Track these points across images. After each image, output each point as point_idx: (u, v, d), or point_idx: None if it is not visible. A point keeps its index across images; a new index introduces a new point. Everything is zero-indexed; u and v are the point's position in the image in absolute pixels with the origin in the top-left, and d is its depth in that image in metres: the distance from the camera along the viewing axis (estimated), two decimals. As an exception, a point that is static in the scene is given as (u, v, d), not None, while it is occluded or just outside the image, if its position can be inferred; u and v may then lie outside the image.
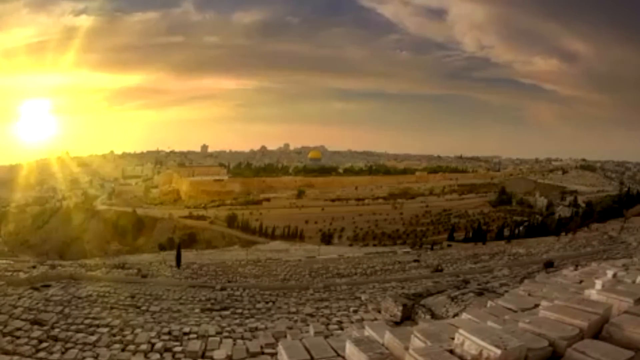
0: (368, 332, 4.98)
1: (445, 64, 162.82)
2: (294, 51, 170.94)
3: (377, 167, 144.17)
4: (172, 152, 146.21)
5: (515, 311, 5.30)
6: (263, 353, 11.01)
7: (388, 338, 4.30)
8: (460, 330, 3.50)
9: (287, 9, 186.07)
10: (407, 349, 3.89)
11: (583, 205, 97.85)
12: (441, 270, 33.16)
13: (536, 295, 6.81)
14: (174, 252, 47.67)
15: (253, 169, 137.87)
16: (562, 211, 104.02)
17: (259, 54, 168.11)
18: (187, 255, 52.99)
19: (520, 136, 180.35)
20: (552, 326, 3.68)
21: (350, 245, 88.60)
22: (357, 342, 4.04)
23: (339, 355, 4.38)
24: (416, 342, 3.85)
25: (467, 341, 3.36)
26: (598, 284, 6.02)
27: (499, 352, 3.06)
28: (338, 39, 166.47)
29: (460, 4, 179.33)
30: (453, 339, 3.70)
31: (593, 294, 5.20)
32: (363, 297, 21.60)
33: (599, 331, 3.82)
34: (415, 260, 43.02)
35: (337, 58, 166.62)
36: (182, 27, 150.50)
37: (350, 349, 4.10)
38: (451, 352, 3.47)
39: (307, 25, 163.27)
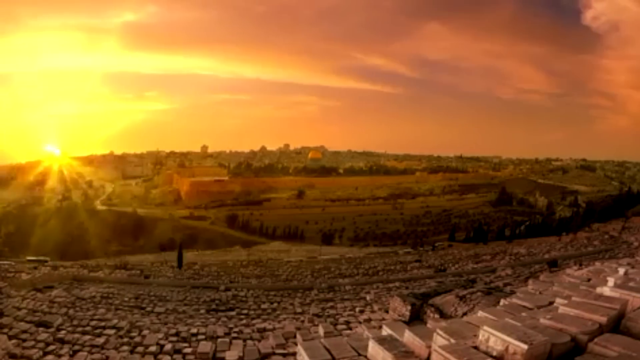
0: (386, 331, 5.02)
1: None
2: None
3: (377, 167, 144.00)
4: (172, 152, 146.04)
5: (530, 309, 5.36)
6: (274, 353, 11.00)
7: (408, 336, 4.35)
8: (485, 327, 3.56)
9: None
10: (429, 347, 3.95)
11: (583, 205, 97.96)
12: (444, 270, 33.18)
13: (547, 293, 6.88)
14: (174, 253, 47.58)
15: (253, 169, 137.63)
16: (563, 211, 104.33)
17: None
18: (188, 255, 52.99)
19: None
20: (573, 321, 3.75)
21: (351, 245, 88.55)
22: (381, 341, 4.06)
23: (360, 354, 4.40)
24: (439, 339, 3.91)
25: (492, 337, 3.43)
26: (610, 281, 6.09)
27: (525, 347, 3.13)
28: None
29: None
30: (475, 336, 3.77)
31: (606, 290, 5.28)
32: (368, 297, 21.59)
33: (616, 326, 3.91)
34: (417, 261, 43.04)
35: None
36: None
37: (373, 348, 4.13)
38: (476, 348, 3.53)
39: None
